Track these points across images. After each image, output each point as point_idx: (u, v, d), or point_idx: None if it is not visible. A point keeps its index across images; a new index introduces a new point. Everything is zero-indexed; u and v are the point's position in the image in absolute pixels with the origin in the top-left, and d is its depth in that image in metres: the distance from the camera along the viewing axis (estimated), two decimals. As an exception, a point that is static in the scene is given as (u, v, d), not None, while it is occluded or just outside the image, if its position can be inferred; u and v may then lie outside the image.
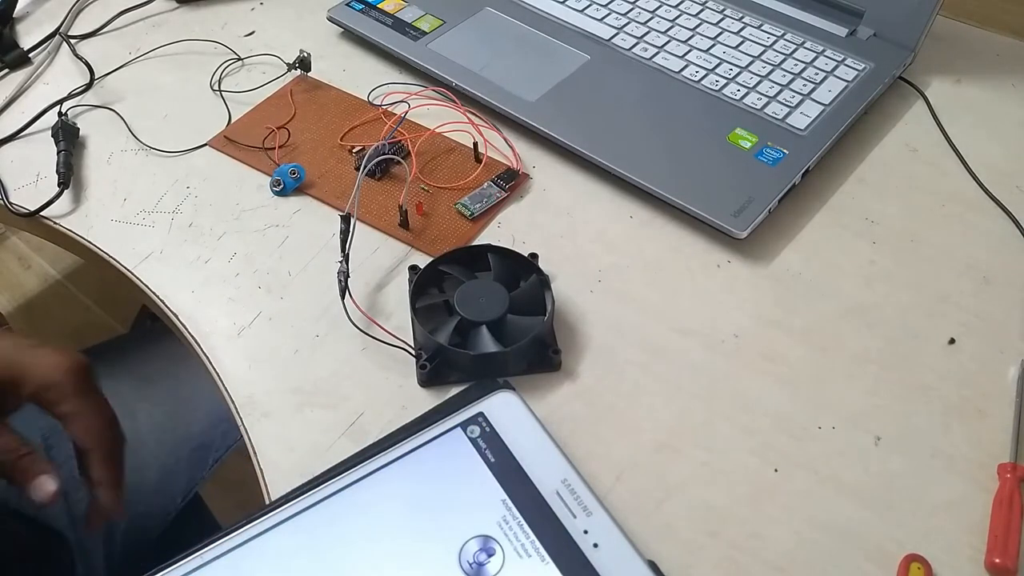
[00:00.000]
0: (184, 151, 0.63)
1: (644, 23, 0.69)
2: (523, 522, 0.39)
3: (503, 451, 0.41)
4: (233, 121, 0.65)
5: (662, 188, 0.57)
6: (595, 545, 0.38)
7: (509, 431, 0.42)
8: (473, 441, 0.42)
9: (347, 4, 0.72)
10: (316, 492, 0.40)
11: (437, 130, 0.62)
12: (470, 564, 0.38)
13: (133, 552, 0.64)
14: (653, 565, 0.38)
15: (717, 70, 0.65)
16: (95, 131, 0.65)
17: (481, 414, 0.43)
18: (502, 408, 0.43)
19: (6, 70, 0.71)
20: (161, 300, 0.54)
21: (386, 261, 0.55)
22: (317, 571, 0.38)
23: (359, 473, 0.41)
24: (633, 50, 0.67)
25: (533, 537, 0.38)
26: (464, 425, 0.42)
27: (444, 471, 0.41)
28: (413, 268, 0.53)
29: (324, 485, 0.41)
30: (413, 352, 0.50)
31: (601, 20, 0.70)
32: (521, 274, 0.52)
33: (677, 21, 0.69)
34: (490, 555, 0.38)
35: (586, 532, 0.38)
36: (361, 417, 0.48)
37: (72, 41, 0.73)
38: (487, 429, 0.42)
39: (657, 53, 0.67)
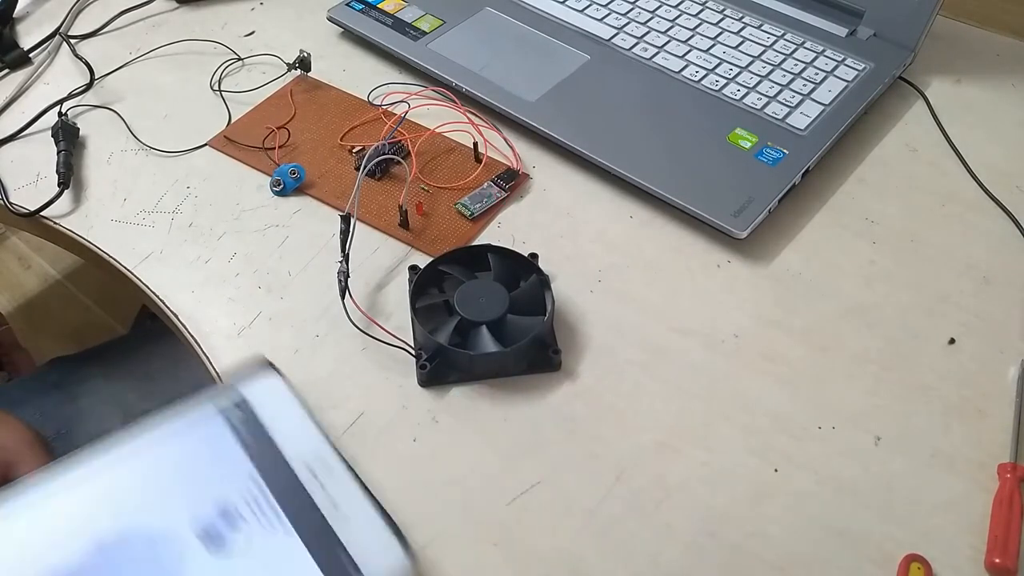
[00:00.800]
0: (184, 151, 0.63)
1: (644, 23, 0.69)
2: (270, 495, 0.41)
3: (258, 429, 0.43)
4: (233, 121, 0.65)
5: (662, 188, 0.57)
6: (345, 517, 0.41)
7: (267, 411, 0.44)
8: (229, 420, 0.43)
9: (347, 4, 0.72)
10: (63, 471, 0.41)
11: (437, 130, 0.62)
12: (210, 535, 0.40)
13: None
14: (400, 535, 0.41)
15: (717, 70, 0.65)
16: (95, 131, 0.65)
17: (239, 394, 0.44)
18: (261, 389, 0.45)
19: (6, 70, 0.71)
20: (161, 300, 0.54)
21: (386, 261, 0.55)
22: (63, 541, 0.39)
23: (110, 451, 0.42)
24: (633, 50, 0.67)
25: (279, 509, 0.40)
26: (221, 405, 0.44)
27: (196, 449, 0.42)
28: (413, 268, 0.53)
29: (73, 463, 0.42)
30: (413, 352, 0.50)
31: (601, 20, 0.70)
32: (521, 274, 0.52)
33: (677, 21, 0.69)
34: (232, 527, 0.40)
35: (335, 505, 0.41)
36: (361, 417, 0.48)
37: (72, 41, 0.73)
38: (244, 409, 0.44)
39: (657, 53, 0.67)
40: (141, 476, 0.42)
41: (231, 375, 0.45)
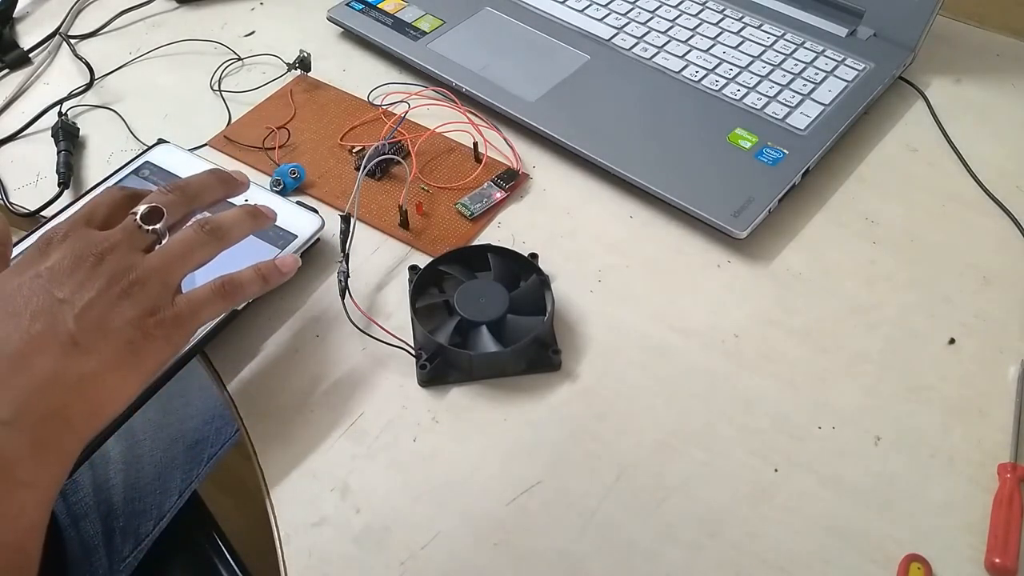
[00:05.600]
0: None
1: (644, 23, 0.69)
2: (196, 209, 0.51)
3: (170, 177, 0.57)
4: (233, 121, 0.64)
5: (662, 188, 0.57)
6: (246, 200, 0.51)
7: (172, 165, 0.58)
8: (145, 178, 0.57)
9: (347, 4, 0.72)
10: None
11: (437, 130, 0.62)
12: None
13: (133, 550, 0.64)
14: (310, 208, 0.55)
15: (717, 70, 0.65)
16: (95, 131, 0.65)
17: (147, 162, 0.58)
18: (162, 154, 0.59)
19: (6, 70, 0.71)
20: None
21: (386, 261, 0.55)
22: None
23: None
24: (633, 50, 0.67)
25: (207, 215, 0.50)
26: (136, 171, 0.58)
27: None
28: (413, 268, 0.53)
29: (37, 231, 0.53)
30: (413, 352, 0.50)
31: (601, 20, 0.70)
32: (521, 274, 0.52)
33: (677, 21, 0.69)
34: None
35: (246, 200, 0.51)
36: (361, 417, 0.48)
37: (72, 41, 0.73)
38: (154, 168, 0.58)
39: (657, 53, 0.67)
40: None
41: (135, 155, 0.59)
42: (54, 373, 0.36)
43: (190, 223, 0.43)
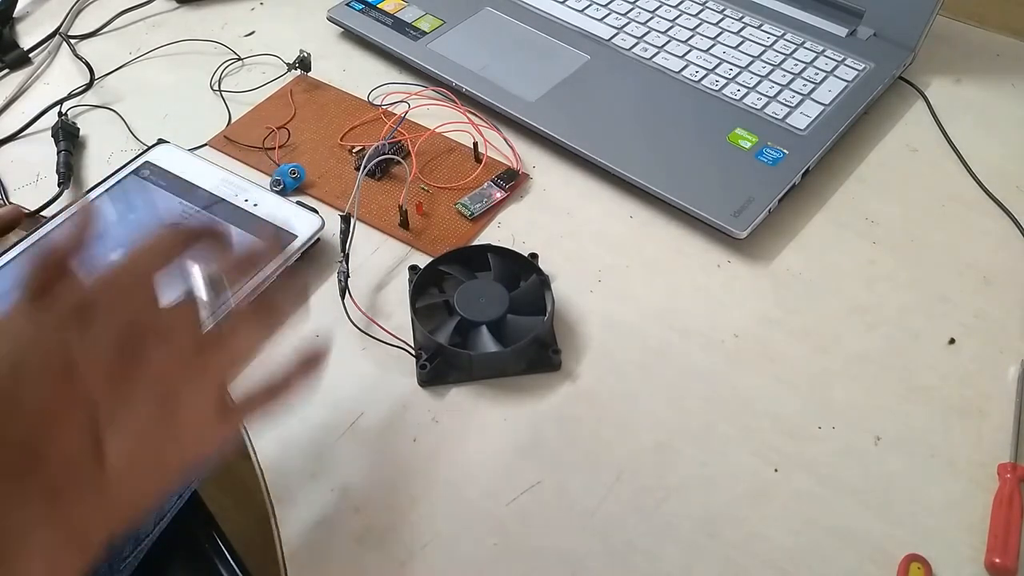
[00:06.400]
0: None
1: (644, 23, 0.69)
2: (198, 208, 0.55)
3: (170, 176, 0.57)
4: (233, 121, 0.64)
5: (662, 188, 0.57)
6: (255, 204, 0.55)
7: (172, 165, 0.57)
8: (145, 178, 0.57)
9: (347, 4, 0.72)
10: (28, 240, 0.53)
11: (437, 130, 0.62)
12: None
13: (133, 550, 0.64)
14: (311, 209, 0.55)
15: (717, 70, 0.65)
16: (95, 131, 0.65)
17: (147, 162, 0.57)
18: (163, 154, 0.58)
19: (6, 70, 0.71)
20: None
21: (386, 261, 0.55)
22: None
23: (65, 216, 0.55)
24: (633, 50, 0.67)
25: (208, 214, 0.53)
26: (136, 171, 0.57)
27: (130, 199, 0.56)
28: (413, 268, 0.53)
29: (37, 232, 0.54)
30: (413, 352, 0.50)
31: (601, 20, 0.70)
32: (521, 274, 0.52)
33: (677, 21, 0.69)
34: None
35: (247, 200, 0.54)
36: (361, 417, 0.48)
37: (72, 41, 0.73)
38: (154, 168, 0.57)
39: (657, 53, 0.67)
40: (105, 221, 0.55)
41: (136, 155, 0.58)
42: None
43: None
